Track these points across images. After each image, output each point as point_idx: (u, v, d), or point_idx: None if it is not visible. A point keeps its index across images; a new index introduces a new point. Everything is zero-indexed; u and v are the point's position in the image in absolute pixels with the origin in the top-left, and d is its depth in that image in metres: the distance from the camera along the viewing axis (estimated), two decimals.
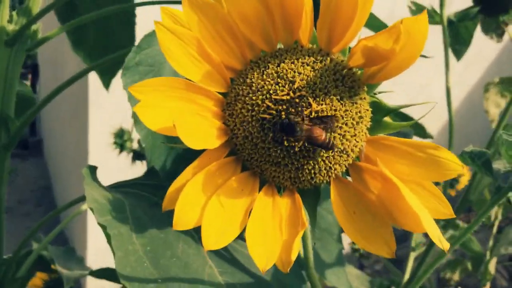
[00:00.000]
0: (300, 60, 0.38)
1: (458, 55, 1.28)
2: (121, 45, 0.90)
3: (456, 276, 1.78)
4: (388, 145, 0.38)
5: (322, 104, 0.37)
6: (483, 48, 3.44)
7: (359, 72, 0.39)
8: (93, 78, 2.36)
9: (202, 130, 0.37)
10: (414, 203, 0.35)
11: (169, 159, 0.67)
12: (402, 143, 0.37)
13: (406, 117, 1.47)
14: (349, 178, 0.40)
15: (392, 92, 0.40)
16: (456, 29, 1.27)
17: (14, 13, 0.76)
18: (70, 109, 3.11)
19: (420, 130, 1.51)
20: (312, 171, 0.39)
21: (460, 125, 3.64)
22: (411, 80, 3.36)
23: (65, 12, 0.93)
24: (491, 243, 1.68)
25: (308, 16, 0.38)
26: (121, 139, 1.60)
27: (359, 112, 0.38)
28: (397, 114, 1.42)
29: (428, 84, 3.42)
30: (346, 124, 0.38)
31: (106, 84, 0.97)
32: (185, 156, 0.62)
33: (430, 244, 1.17)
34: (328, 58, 0.39)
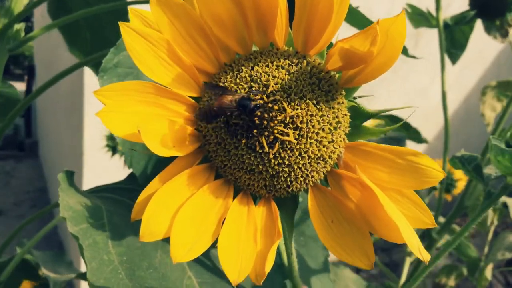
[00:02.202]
0: (275, 63, 0.37)
1: (454, 59, 1.27)
2: (112, 43, 0.88)
3: (451, 282, 1.76)
4: (368, 151, 0.37)
5: (297, 109, 0.35)
6: (481, 50, 3.43)
7: (337, 75, 0.37)
8: (88, 80, 2.34)
9: (172, 136, 0.36)
10: (392, 212, 0.33)
11: (150, 164, 0.65)
12: (382, 149, 0.36)
13: (399, 120, 1.45)
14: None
15: (372, 95, 0.39)
16: (452, 33, 1.26)
17: None
18: (65, 111, 3.10)
19: (415, 135, 1.50)
20: (288, 179, 0.37)
21: (457, 128, 3.62)
22: (410, 85, 3.35)
23: (56, 11, 0.91)
24: (487, 248, 1.66)
25: (283, 17, 0.36)
26: (113, 142, 1.59)
27: (337, 117, 0.36)
28: (392, 118, 1.41)
29: (427, 88, 3.41)
30: (323, 130, 0.36)
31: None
32: (166, 162, 0.60)
33: (426, 249, 1.16)
34: (305, 61, 0.37)
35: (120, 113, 0.35)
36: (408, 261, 1.27)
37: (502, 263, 2.62)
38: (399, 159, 0.35)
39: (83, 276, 1.03)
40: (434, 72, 2.72)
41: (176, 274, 0.49)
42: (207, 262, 0.52)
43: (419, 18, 1.30)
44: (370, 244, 0.36)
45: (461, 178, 1.63)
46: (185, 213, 0.36)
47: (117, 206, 0.57)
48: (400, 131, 1.50)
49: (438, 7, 1.14)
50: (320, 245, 0.68)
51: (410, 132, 1.50)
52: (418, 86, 3.40)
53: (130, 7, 0.37)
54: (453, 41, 1.28)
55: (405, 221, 0.34)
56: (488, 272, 1.59)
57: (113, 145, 1.61)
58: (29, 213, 3.75)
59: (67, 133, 3.13)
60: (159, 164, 0.59)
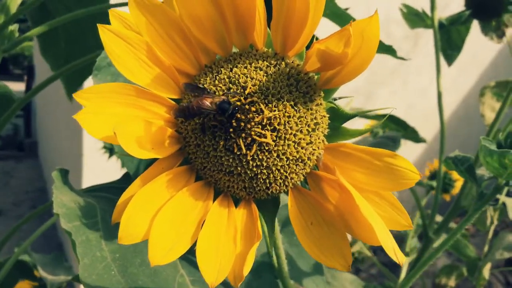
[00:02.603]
0: (253, 64, 0.37)
1: (450, 60, 1.26)
2: (93, 51, 0.88)
3: (451, 282, 1.76)
4: (346, 152, 0.37)
5: (274, 110, 0.35)
6: (479, 51, 3.42)
7: (316, 77, 0.37)
8: (88, 81, 2.34)
9: (150, 138, 0.36)
10: (368, 214, 0.33)
11: (143, 163, 0.65)
12: (360, 150, 0.36)
13: (399, 122, 1.45)
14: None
15: (352, 97, 0.39)
16: (448, 34, 1.25)
17: None
18: (65, 111, 3.10)
19: (413, 135, 1.49)
20: (267, 180, 0.37)
21: (456, 129, 3.62)
22: (410, 85, 3.35)
23: (37, 16, 0.91)
24: (487, 248, 1.66)
25: (261, 18, 0.36)
26: (110, 144, 1.59)
27: (315, 118, 0.36)
28: (391, 119, 1.41)
29: (426, 88, 3.41)
30: (301, 131, 0.36)
31: (70, 93, 0.94)
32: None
33: (423, 249, 1.16)
34: (283, 63, 0.37)
35: (99, 114, 0.35)
36: (406, 261, 1.27)
37: (502, 263, 2.62)
38: (377, 161, 0.35)
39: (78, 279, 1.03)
40: (433, 73, 2.72)
41: (168, 272, 0.49)
42: None
43: (414, 18, 1.30)
44: (348, 246, 0.36)
45: (459, 178, 1.63)
46: (165, 215, 0.36)
47: (111, 205, 0.57)
48: (399, 130, 1.50)
49: (433, 7, 1.14)
50: None
51: (408, 132, 1.49)
52: (418, 86, 3.40)
53: (110, 9, 0.37)
54: (450, 42, 1.27)
55: (381, 222, 0.34)
56: (486, 272, 1.59)
57: (110, 146, 1.61)
58: (28, 214, 3.74)
59: (66, 133, 3.13)
60: (152, 163, 0.60)
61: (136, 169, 0.66)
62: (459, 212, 1.15)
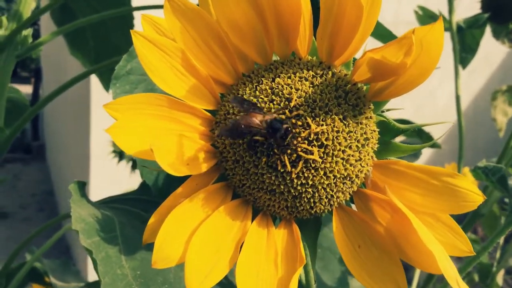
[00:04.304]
0: (297, 74, 0.34)
1: (464, 63, 1.24)
2: (120, 49, 0.86)
3: None
4: (398, 170, 0.34)
5: (322, 125, 0.32)
6: (488, 54, 3.39)
7: (365, 87, 0.34)
8: (95, 83, 2.32)
9: (186, 153, 0.33)
10: (428, 239, 0.30)
11: (162, 174, 0.63)
12: (414, 168, 0.33)
13: (409, 123, 1.42)
14: (354, 207, 0.36)
15: (402, 109, 0.36)
16: (463, 37, 1.23)
17: (3, 18, 0.73)
18: (72, 114, 3.09)
19: (428, 141, 1.46)
20: (312, 200, 0.34)
21: (464, 132, 3.59)
22: (419, 87, 3.32)
23: (61, 17, 0.90)
24: (498, 254, 1.63)
25: (306, 24, 0.33)
26: (120, 148, 1.57)
27: (365, 133, 0.33)
28: (403, 122, 1.38)
29: (434, 91, 3.38)
30: (350, 147, 0.33)
31: (107, 85, 0.94)
32: None
33: None
34: (330, 72, 0.34)
35: (131, 128, 0.32)
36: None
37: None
38: (434, 180, 0.32)
39: (90, 286, 1.02)
40: (442, 75, 2.68)
41: None
42: (222, 280, 0.50)
43: (430, 21, 1.27)
44: (402, 272, 0.33)
45: (473, 182, 1.59)
46: (201, 237, 0.33)
47: (129, 217, 0.55)
48: (413, 136, 1.47)
49: (451, 10, 1.11)
50: (337, 258, 0.65)
51: (423, 138, 1.46)
52: (427, 88, 3.37)
53: (142, 14, 0.35)
54: (464, 45, 1.25)
55: (441, 248, 0.31)
56: (500, 278, 1.55)
57: (119, 150, 1.59)
58: (35, 216, 3.74)
59: (74, 136, 3.12)
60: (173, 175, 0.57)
61: (155, 180, 0.64)
62: (478, 219, 1.12)
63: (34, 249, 1.10)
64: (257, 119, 0.31)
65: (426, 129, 1.43)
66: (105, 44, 0.90)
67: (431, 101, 3.42)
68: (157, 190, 0.58)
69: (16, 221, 3.57)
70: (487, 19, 1.12)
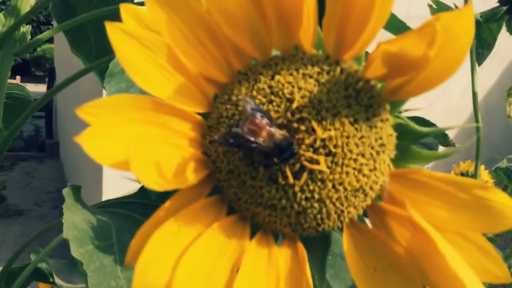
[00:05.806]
0: (300, 70, 0.29)
1: (480, 59, 1.19)
2: None
3: None
4: (420, 181, 0.29)
5: (329, 129, 0.28)
6: (500, 49, 3.31)
7: (379, 85, 0.30)
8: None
9: (172, 163, 0.28)
10: (454, 262, 0.26)
11: None
12: (439, 179, 0.28)
13: (425, 122, 1.36)
14: (369, 223, 0.31)
15: (422, 109, 0.31)
16: (479, 32, 1.18)
17: (0, 14, 0.71)
18: None
19: (441, 138, 1.41)
20: (319, 216, 0.29)
21: (474, 129, 3.52)
22: None
23: (61, 13, 0.87)
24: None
25: (310, 11, 0.29)
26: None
27: (380, 138, 0.29)
28: (416, 120, 1.33)
29: (447, 88, 3.31)
30: (363, 155, 0.28)
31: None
32: None
33: None
34: (338, 68, 0.29)
35: (108, 135, 0.28)
36: None
37: None
38: (463, 193, 0.27)
39: None
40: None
41: None
42: None
43: None
44: None
45: (487, 180, 1.54)
46: (191, 259, 0.28)
47: (127, 222, 0.52)
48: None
49: (467, 3, 1.06)
50: None
51: (437, 136, 1.41)
52: (440, 86, 3.31)
53: (121, 4, 0.30)
54: (481, 40, 1.20)
55: (472, 274, 0.26)
56: None
57: None
58: (50, 214, 3.75)
59: None
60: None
61: None
62: None
63: (40, 249, 1.08)
64: (264, 132, 0.27)
65: (439, 125, 1.38)
66: (107, 40, 0.87)
67: (443, 97, 3.35)
68: (155, 193, 0.55)
69: (30, 218, 3.59)
70: (506, 13, 1.07)
